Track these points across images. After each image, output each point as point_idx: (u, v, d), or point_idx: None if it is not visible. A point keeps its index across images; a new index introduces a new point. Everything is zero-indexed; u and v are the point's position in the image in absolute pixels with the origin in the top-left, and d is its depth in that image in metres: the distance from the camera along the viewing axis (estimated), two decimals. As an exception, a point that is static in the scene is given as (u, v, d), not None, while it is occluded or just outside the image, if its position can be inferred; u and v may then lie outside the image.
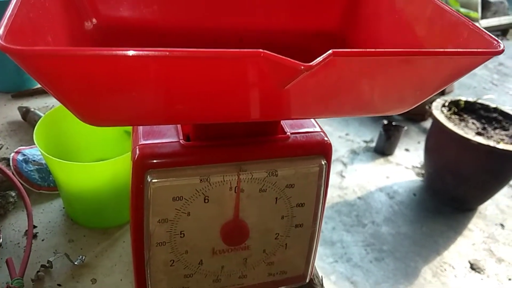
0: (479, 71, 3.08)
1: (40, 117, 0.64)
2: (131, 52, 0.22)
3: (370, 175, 1.97)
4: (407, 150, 2.15)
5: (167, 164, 0.35)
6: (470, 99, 1.86)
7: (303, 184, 0.40)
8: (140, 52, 0.22)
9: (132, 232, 0.39)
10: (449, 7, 0.34)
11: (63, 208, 0.53)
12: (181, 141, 0.37)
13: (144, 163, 0.35)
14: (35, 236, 0.50)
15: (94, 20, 0.38)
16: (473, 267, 1.56)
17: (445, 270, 1.55)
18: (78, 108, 0.25)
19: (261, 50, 0.23)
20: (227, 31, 0.42)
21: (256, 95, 0.28)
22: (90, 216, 0.50)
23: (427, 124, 2.29)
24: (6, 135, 0.63)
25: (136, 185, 0.36)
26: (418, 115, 2.34)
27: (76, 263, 0.47)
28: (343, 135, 2.22)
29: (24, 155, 0.56)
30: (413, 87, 0.29)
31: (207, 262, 0.41)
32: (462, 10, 2.18)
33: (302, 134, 0.39)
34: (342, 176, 1.95)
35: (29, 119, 0.65)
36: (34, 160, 0.55)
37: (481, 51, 0.26)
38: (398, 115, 2.39)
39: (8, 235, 0.49)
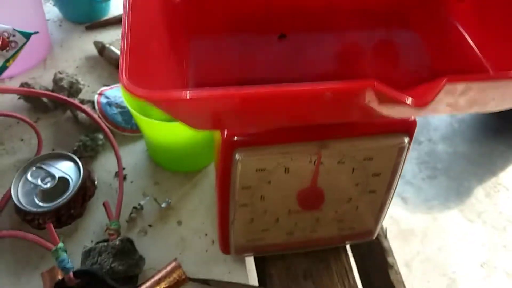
0: None
1: (116, 54, 0.66)
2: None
3: (432, 89, 1.89)
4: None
5: (253, 142, 0.37)
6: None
7: (382, 157, 0.40)
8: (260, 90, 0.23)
9: (219, 197, 0.42)
10: None
11: (146, 150, 0.57)
12: (266, 121, 0.38)
13: (233, 142, 0.37)
14: (124, 178, 0.55)
15: None
16: (529, 189, 1.55)
17: (498, 191, 1.55)
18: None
19: (373, 81, 0.23)
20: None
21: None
22: (172, 162, 0.54)
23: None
24: (86, 72, 0.66)
25: (224, 161, 0.38)
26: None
27: (163, 205, 0.52)
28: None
29: (107, 97, 0.59)
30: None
31: (282, 220, 0.45)
32: None
33: (386, 112, 0.39)
34: (401, 89, 1.89)
35: (105, 55, 0.67)
36: (116, 103, 0.59)
37: None
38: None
39: (101, 176, 0.55)
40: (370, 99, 0.24)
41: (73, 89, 0.61)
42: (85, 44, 0.71)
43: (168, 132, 0.48)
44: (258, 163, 0.38)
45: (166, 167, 0.55)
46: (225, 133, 0.37)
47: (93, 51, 0.69)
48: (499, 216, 1.50)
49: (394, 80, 0.37)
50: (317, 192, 0.42)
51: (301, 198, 0.42)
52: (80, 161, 0.51)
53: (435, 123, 1.74)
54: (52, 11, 0.76)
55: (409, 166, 1.59)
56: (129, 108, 0.47)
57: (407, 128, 0.39)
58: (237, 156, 0.37)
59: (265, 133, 0.37)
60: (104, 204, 0.50)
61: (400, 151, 0.40)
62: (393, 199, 0.51)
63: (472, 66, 0.37)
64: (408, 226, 1.49)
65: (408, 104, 0.22)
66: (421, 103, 0.22)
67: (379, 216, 0.47)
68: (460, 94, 0.24)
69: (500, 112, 1.74)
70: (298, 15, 0.42)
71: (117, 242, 0.45)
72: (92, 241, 0.49)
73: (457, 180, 1.58)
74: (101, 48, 0.67)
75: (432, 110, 0.27)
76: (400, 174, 0.44)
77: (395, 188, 0.45)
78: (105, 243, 0.45)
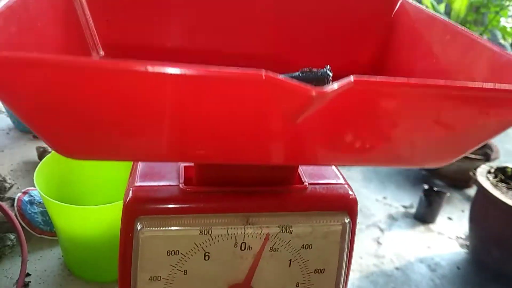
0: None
1: (56, 158, 0.62)
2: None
3: (410, 243, 1.83)
4: (450, 218, 2.01)
5: (161, 211, 0.31)
6: (519, 166, 1.73)
7: (322, 245, 0.34)
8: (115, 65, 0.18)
9: (120, 289, 0.33)
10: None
11: (62, 256, 0.49)
12: (180, 185, 0.32)
13: (136, 208, 0.30)
14: (27, 285, 0.45)
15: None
16: None
17: None
18: (46, 134, 0.22)
19: (263, 70, 0.19)
20: (245, 60, 0.38)
21: (262, 130, 0.23)
22: (87, 266, 0.46)
23: (472, 192, 2.15)
24: (20, 175, 0.61)
25: (125, 234, 0.31)
26: (461, 181, 2.20)
27: (64, 320, 0.41)
28: (380, 199, 2.11)
29: (31, 196, 0.53)
30: (451, 132, 0.23)
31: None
32: None
33: (323, 186, 0.34)
34: (379, 243, 1.82)
35: (45, 160, 0.63)
36: (40, 202, 0.52)
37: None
38: (440, 180, 2.26)
39: (-2, 282, 0.45)
40: (263, 93, 0.19)
41: (-3, 187, 0.55)
42: (28, 151, 0.67)
43: (82, 220, 0.41)
44: (169, 241, 0.31)
45: (80, 274, 0.46)
46: (128, 197, 0.31)
47: (34, 156, 0.65)
48: None
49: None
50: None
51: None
52: (-24, 261, 0.43)
53: (416, 278, 1.63)
54: (4, 121, 0.74)
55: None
56: (39, 191, 0.41)
57: (347, 205, 0.33)
58: (138, 226, 0.30)
59: (176, 200, 0.31)
60: (-13, 313, 0.40)
61: (343, 234, 0.33)
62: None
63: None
64: None
65: (306, 95, 0.18)
66: (320, 93, 0.18)
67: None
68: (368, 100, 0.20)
69: (481, 266, 1.66)
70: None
71: None
72: None
73: None
74: (42, 152, 0.63)
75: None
76: (348, 273, 0.36)
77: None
78: None
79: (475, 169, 1.85)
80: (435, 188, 1.96)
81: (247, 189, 0.33)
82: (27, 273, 0.46)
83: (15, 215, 0.50)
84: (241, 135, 0.23)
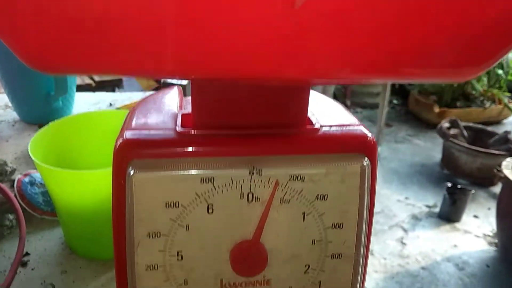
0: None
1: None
2: None
3: (435, 243, 1.76)
4: (476, 216, 1.93)
5: (156, 155, 0.28)
6: (547, 158, 1.66)
7: (339, 193, 0.30)
8: None
9: (116, 248, 0.30)
10: None
11: (63, 236, 0.46)
12: (177, 128, 0.29)
13: (128, 151, 0.27)
14: (25, 264, 0.42)
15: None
16: None
17: None
18: (7, 34, 0.19)
19: None
20: None
21: (254, 18, 0.20)
22: (87, 242, 0.43)
23: (497, 189, 2.07)
24: (23, 162, 0.59)
25: (117, 183, 0.28)
26: (485, 179, 2.13)
27: (63, 298, 0.38)
28: (402, 199, 2.05)
29: (32, 177, 0.51)
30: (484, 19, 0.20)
31: (212, 294, 0.32)
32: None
33: (336, 127, 0.31)
34: (403, 244, 1.75)
35: (49, 146, 0.61)
36: (41, 183, 0.50)
37: None
38: (463, 179, 2.19)
39: (-5, 262, 0.43)
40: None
41: (-3, 171, 0.53)
42: (33, 140, 0.65)
43: (77, 186, 0.38)
44: (166, 190, 0.28)
45: (82, 251, 0.43)
46: (120, 141, 0.28)
47: (39, 144, 0.63)
48: None
49: None
50: (257, 248, 0.31)
51: (236, 258, 0.31)
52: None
53: (444, 278, 1.56)
54: (10, 114, 0.73)
55: (421, 328, 1.36)
56: (33, 158, 0.38)
57: (364, 146, 0.30)
58: (131, 170, 0.27)
59: (172, 142, 0.28)
60: (-20, 290, 0.37)
61: (362, 178, 0.29)
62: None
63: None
64: None
65: None
66: None
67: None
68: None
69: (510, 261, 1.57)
70: None
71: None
72: None
73: None
74: (46, 138, 0.61)
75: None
76: (370, 226, 0.32)
77: (367, 251, 0.33)
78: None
79: (499, 165, 1.78)
80: (459, 186, 1.89)
81: (251, 131, 0.29)
82: (26, 252, 0.44)
83: (15, 195, 0.48)
84: (230, 29, 0.20)
